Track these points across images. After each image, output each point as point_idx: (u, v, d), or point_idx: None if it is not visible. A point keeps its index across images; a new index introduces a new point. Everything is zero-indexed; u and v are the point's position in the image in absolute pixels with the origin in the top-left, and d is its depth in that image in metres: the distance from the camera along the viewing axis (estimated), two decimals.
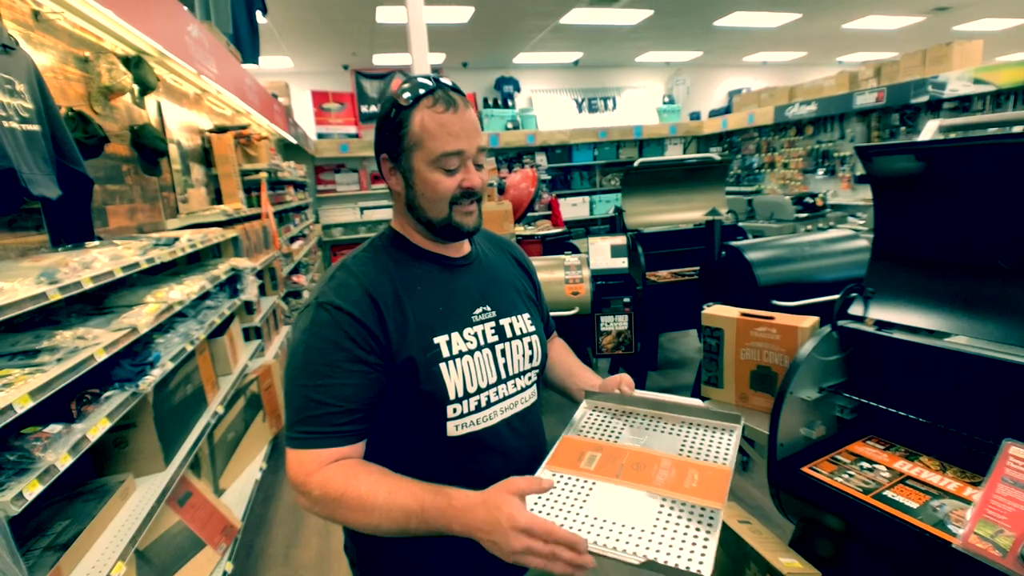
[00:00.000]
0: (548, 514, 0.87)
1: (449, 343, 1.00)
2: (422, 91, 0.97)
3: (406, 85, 0.99)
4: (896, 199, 1.57)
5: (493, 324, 1.07)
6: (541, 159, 9.59)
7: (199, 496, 2.17)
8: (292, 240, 5.65)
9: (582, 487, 0.93)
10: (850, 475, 1.32)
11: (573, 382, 1.24)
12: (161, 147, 2.77)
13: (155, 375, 1.74)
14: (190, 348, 2.08)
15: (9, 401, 1.06)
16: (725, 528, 1.40)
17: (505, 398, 1.07)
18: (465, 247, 1.14)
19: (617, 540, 0.81)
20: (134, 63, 2.50)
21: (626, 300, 3.48)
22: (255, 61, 5.01)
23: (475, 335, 1.04)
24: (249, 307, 3.48)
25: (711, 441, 1.02)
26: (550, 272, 3.46)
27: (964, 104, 5.41)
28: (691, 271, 3.97)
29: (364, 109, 9.36)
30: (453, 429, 1.00)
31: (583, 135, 9.50)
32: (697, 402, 1.09)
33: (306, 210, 7.30)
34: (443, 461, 1.01)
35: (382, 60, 9.10)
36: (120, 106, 2.59)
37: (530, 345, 1.12)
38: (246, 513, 2.47)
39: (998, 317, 1.32)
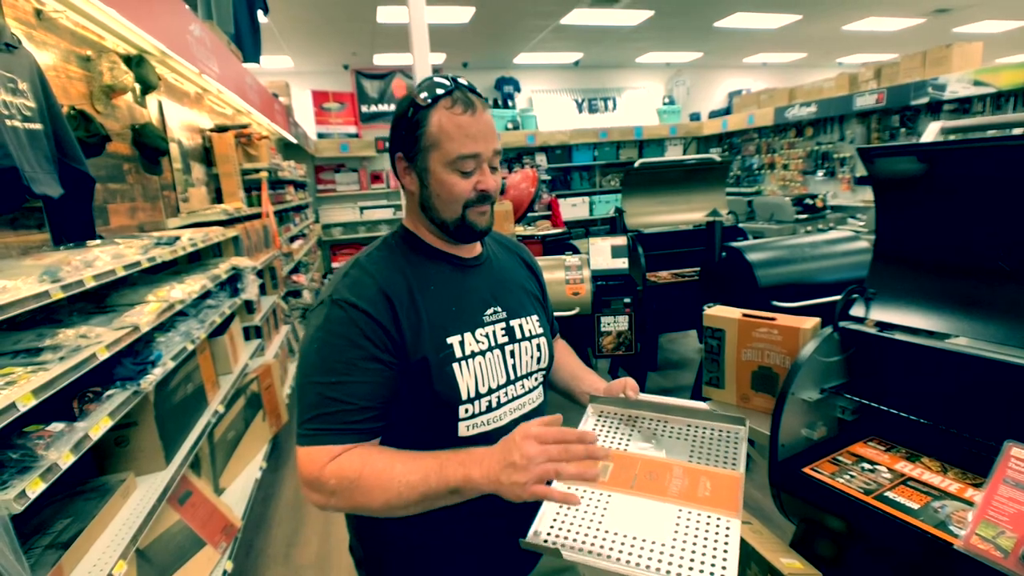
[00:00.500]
0: (570, 530, 0.86)
1: (462, 343, 1.00)
2: (441, 91, 0.96)
3: (424, 84, 0.99)
4: (898, 201, 1.57)
5: (503, 325, 1.08)
6: (541, 159, 9.59)
7: (199, 495, 2.17)
8: (292, 239, 5.65)
9: (599, 500, 0.92)
10: (851, 476, 1.32)
11: (577, 385, 1.24)
12: (162, 146, 2.77)
13: (156, 374, 1.74)
14: (191, 347, 2.08)
15: (12, 399, 1.06)
16: None
17: (514, 399, 1.07)
18: (476, 248, 1.14)
19: (640, 556, 0.81)
20: (136, 62, 2.50)
21: (626, 301, 3.48)
22: (256, 60, 5.01)
23: (486, 336, 1.04)
24: (249, 306, 3.48)
25: (718, 445, 1.02)
26: (551, 272, 3.47)
27: (964, 106, 5.42)
28: (691, 272, 3.97)
29: (364, 109, 9.36)
30: (464, 429, 1.01)
31: (583, 135, 9.50)
32: (701, 405, 1.09)
33: (306, 210, 7.30)
34: None
35: (382, 60, 9.10)
36: (122, 105, 2.59)
37: (538, 347, 1.12)
38: (246, 512, 2.46)
39: (999, 319, 1.33)
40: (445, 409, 0.99)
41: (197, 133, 3.70)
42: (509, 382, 1.06)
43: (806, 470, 1.38)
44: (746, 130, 8.69)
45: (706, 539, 0.83)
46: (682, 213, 4.67)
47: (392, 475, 0.87)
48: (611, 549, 0.82)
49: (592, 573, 0.83)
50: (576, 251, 3.96)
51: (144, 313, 1.76)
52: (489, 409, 1.03)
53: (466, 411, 1.00)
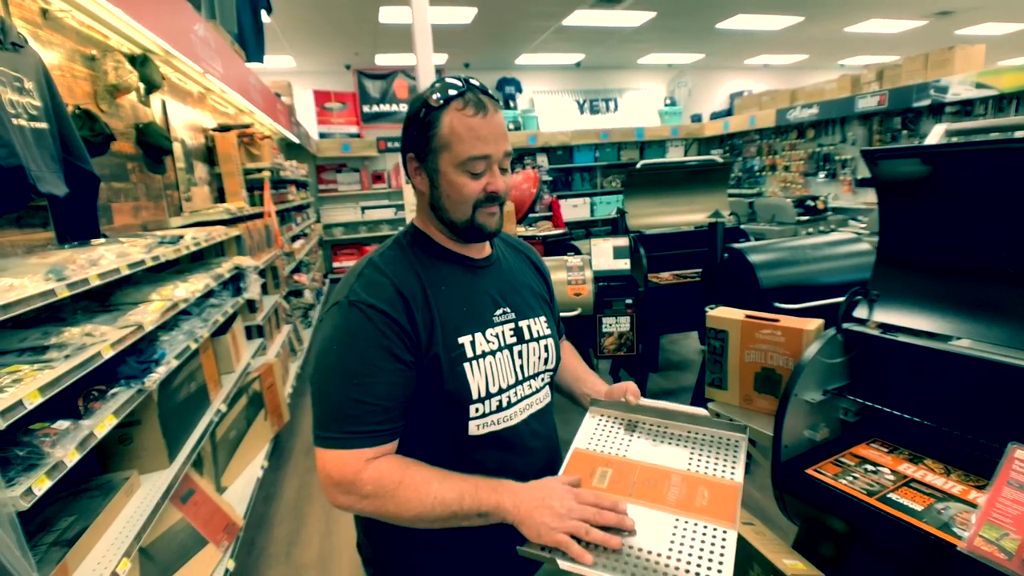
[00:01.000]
0: None
1: (473, 343, 1.01)
2: (453, 92, 0.97)
3: (437, 85, 0.99)
4: (902, 203, 1.57)
5: (512, 326, 1.08)
6: (542, 160, 9.60)
7: (202, 494, 2.17)
8: (294, 239, 5.66)
9: None
10: (854, 477, 1.33)
11: (579, 387, 1.25)
12: (166, 145, 2.78)
13: (160, 372, 1.74)
14: (194, 346, 2.08)
15: (19, 397, 1.06)
16: None
17: (523, 399, 1.08)
18: (486, 249, 1.14)
19: (635, 566, 0.82)
20: (140, 61, 2.51)
21: (628, 301, 3.48)
22: (259, 60, 5.02)
23: (496, 336, 1.05)
24: (251, 305, 3.48)
25: (718, 453, 1.02)
26: (553, 273, 3.43)
27: (966, 108, 5.43)
28: (693, 273, 3.97)
29: (366, 109, 9.37)
30: (475, 428, 1.01)
31: (584, 136, 9.52)
32: (701, 411, 1.09)
33: (307, 209, 7.31)
34: (465, 461, 1.01)
35: (384, 60, 9.11)
36: (126, 104, 2.60)
37: (546, 348, 1.13)
38: (248, 511, 2.47)
39: (1003, 321, 1.33)
40: (456, 408, 0.99)
41: (200, 132, 3.71)
42: (518, 382, 1.07)
43: (809, 471, 1.38)
44: (747, 131, 8.69)
45: (702, 550, 0.83)
46: (684, 214, 4.67)
47: (429, 490, 0.90)
48: (607, 559, 0.83)
49: None
50: (577, 252, 3.96)
51: (148, 312, 1.76)
52: (499, 409, 1.03)
53: (476, 410, 1.00)
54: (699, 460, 1.01)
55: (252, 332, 3.46)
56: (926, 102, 5.58)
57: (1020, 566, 0.92)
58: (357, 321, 0.94)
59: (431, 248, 1.07)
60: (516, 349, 1.07)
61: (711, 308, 1.93)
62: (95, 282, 1.48)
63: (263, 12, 5.15)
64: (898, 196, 1.58)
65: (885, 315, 1.57)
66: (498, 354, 1.04)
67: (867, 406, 1.50)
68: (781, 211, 5.91)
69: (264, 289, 3.98)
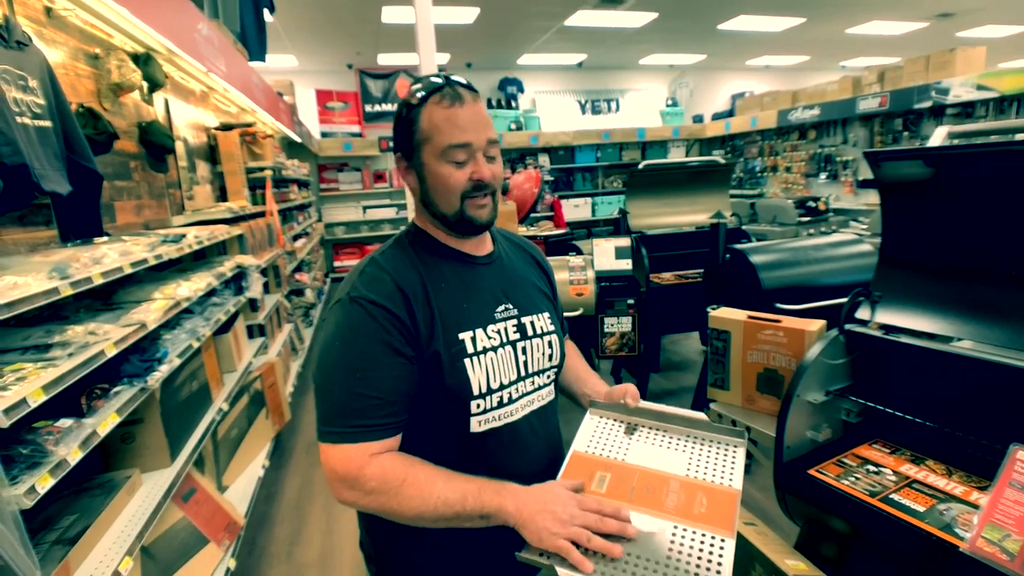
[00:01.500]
0: None
1: (473, 339, 1.01)
2: (431, 89, 0.99)
3: (417, 85, 1.01)
4: (904, 204, 1.57)
5: (515, 322, 1.08)
6: (544, 160, 9.61)
7: (203, 492, 2.17)
8: (295, 238, 5.66)
9: None
10: (856, 478, 1.33)
11: (580, 387, 1.25)
12: (168, 144, 2.78)
13: (163, 371, 1.74)
14: (196, 345, 2.09)
15: (23, 395, 1.07)
16: None
17: (524, 395, 1.08)
18: (487, 245, 1.15)
19: (633, 574, 0.82)
20: (143, 60, 2.51)
21: (630, 302, 3.49)
22: (262, 59, 5.02)
23: (498, 332, 1.05)
24: (253, 304, 3.48)
25: (717, 458, 1.01)
26: (555, 273, 3.46)
27: (967, 110, 5.43)
28: (694, 273, 3.98)
29: (368, 108, 9.38)
30: (476, 425, 1.01)
31: (586, 136, 9.52)
32: (701, 415, 1.08)
33: (309, 208, 7.32)
34: (467, 457, 1.01)
35: (386, 60, 9.11)
36: (129, 103, 2.60)
37: (549, 344, 1.12)
38: (249, 510, 2.47)
39: (1005, 322, 1.33)
40: (457, 404, 1.00)
41: (202, 131, 3.71)
42: (520, 378, 1.07)
43: (811, 472, 1.38)
44: (749, 132, 8.69)
45: (699, 559, 0.83)
46: (686, 215, 4.68)
47: (432, 489, 0.90)
48: (606, 567, 0.83)
49: None
50: (579, 252, 3.97)
51: (151, 311, 1.76)
52: (500, 405, 1.03)
53: (477, 406, 1.01)
54: (698, 466, 1.00)
55: (254, 331, 3.46)
56: (927, 104, 5.58)
57: (1022, 567, 0.92)
58: (359, 317, 0.95)
59: (432, 246, 1.08)
60: (520, 345, 1.07)
61: (713, 308, 1.93)
62: (98, 281, 1.48)
63: (266, 11, 5.15)
64: (901, 197, 1.58)
65: (887, 316, 1.57)
66: (500, 350, 1.04)
67: (869, 407, 1.50)
68: (782, 212, 5.92)
69: (266, 288, 3.98)
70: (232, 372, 2.78)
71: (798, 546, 1.43)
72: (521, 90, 10.40)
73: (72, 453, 1.23)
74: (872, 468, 1.36)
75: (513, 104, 10.16)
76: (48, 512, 1.52)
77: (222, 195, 3.89)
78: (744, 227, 4.60)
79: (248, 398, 3.01)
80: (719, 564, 0.82)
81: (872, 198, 6.39)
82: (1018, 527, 0.96)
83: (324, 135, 9.10)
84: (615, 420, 1.13)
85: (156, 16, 2.30)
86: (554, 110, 10.53)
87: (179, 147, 3.18)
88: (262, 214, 4.09)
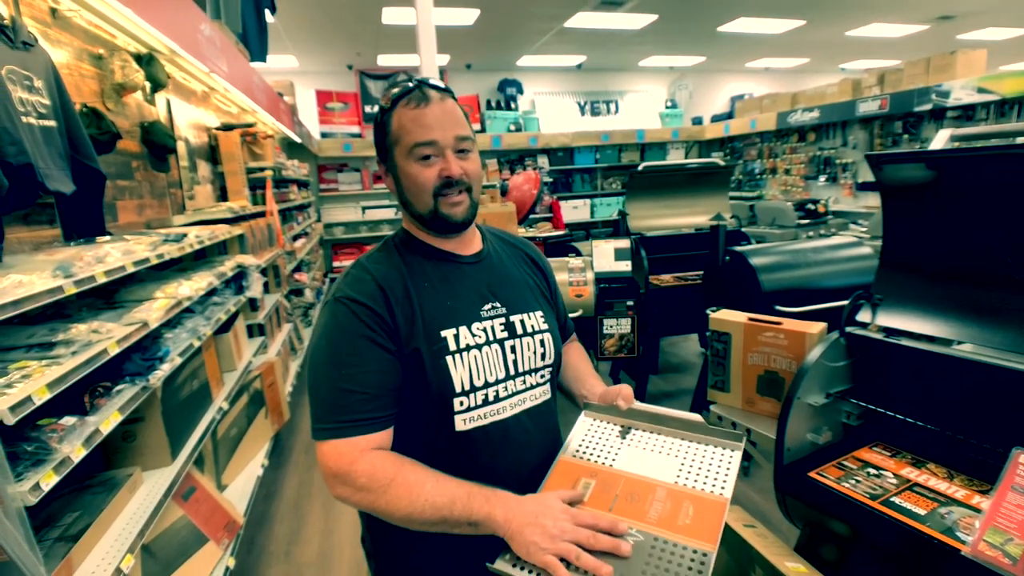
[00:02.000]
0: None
1: (456, 337, 1.02)
2: (401, 92, 1.03)
3: (392, 90, 1.04)
4: (905, 207, 1.58)
5: (503, 320, 1.09)
6: (543, 161, 9.61)
7: (203, 491, 2.17)
8: (295, 238, 5.66)
9: None
10: (857, 481, 1.33)
11: (577, 388, 1.24)
12: (170, 144, 2.78)
13: (164, 370, 1.75)
14: (197, 344, 2.09)
15: (28, 393, 1.07)
16: (730, 532, 1.41)
17: (514, 394, 1.08)
18: (475, 244, 1.15)
19: None
20: (146, 60, 2.52)
21: (629, 303, 3.49)
22: (263, 59, 5.02)
23: (483, 330, 1.06)
24: (253, 304, 3.49)
25: (709, 464, 0.98)
26: (554, 274, 3.47)
27: (968, 113, 5.44)
28: (694, 275, 3.98)
29: (367, 109, 9.36)
30: (461, 423, 1.02)
31: (585, 138, 9.52)
32: (697, 418, 1.06)
33: (308, 209, 7.31)
34: (454, 456, 1.02)
35: (386, 61, 9.12)
36: (131, 103, 2.60)
37: (542, 343, 1.12)
38: (248, 509, 2.47)
39: (1007, 325, 1.34)
40: (440, 401, 1.01)
41: (203, 131, 3.71)
42: (509, 377, 1.07)
43: (811, 474, 1.38)
44: (748, 134, 8.71)
45: (677, 574, 0.80)
46: (685, 217, 4.69)
47: (421, 491, 0.90)
48: None
49: None
50: (578, 253, 3.97)
51: (153, 309, 1.76)
52: (486, 403, 1.04)
53: (461, 404, 1.01)
54: (689, 472, 0.97)
55: (253, 330, 3.47)
56: (927, 106, 5.59)
57: None
58: (343, 315, 0.98)
59: (417, 247, 1.10)
60: (508, 344, 1.07)
61: (713, 310, 1.93)
62: (101, 279, 1.48)
63: (267, 11, 5.16)
64: (902, 200, 1.59)
65: (888, 319, 1.58)
66: (485, 348, 1.04)
67: (870, 410, 1.51)
68: (782, 214, 5.93)
69: (265, 288, 3.98)
70: (232, 371, 2.78)
71: (798, 549, 1.43)
72: (520, 91, 10.40)
73: (76, 451, 1.23)
74: (873, 471, 1.37)
75: (512, 105, 10.16)
76: (50, 509, 1.52)
77: (223, 195, 3.89)
78: (743, 229, 4.61)
79: (248, 397, 3.02)
80: None
81: (871, 201, 6.40)
82: (1021, 531, 0.97)
83: (324, 136, 9.09)
84: (609, 422, 1.12)
85: (159, 17, 2.30)
86: (553, 111, 10.54)
87: (180, 147, 3.18)
88: (262, 214, 4.09)
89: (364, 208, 8.97)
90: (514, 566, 0.85)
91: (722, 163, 4.91)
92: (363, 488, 0.92)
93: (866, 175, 6.51)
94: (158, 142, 2.69)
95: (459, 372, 1.01)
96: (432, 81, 1.04)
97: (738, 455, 0.99)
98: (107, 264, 1.55)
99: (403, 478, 0.91)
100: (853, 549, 1.34)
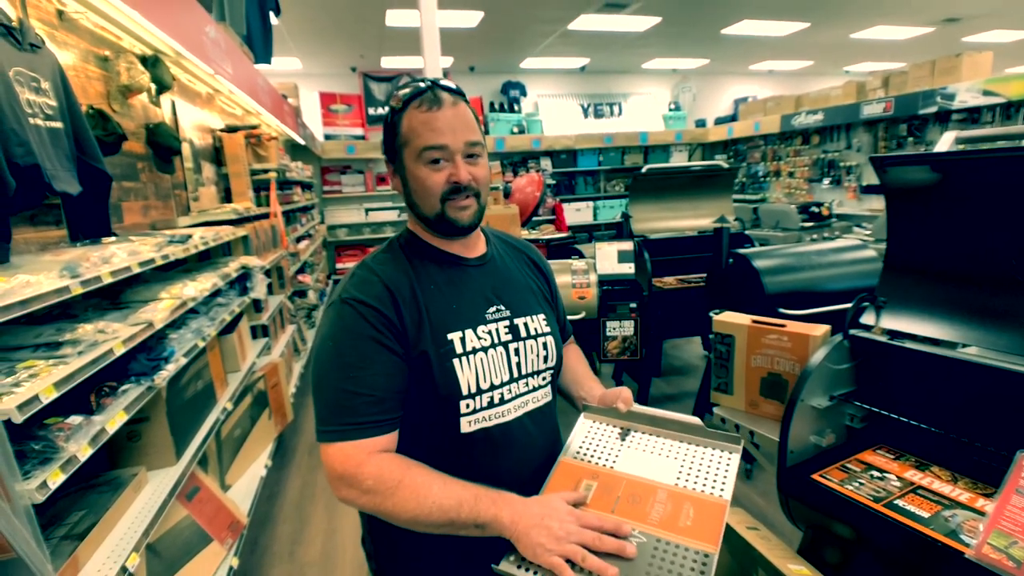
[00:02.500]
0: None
1: (463, 339, 1.02)
2: (413, 93, 1.02)
3: (403, 90, 1.04)
4: (910, 209, 1.58)
5: (507, 323, 1.09)
6: (546, 164, 9.61)
7: (207, 491, 2.18)
8: (299, 240, 5.68)
9: None
10: (860, 483, 1.33)
11: (576, 390, 1.25)
12: (175, 145, 2.80)
13: (169, 370, 1.75)
14: (202, 344, 2.10)
15: (35, 392, 1.08)
16: (733, 534, 1.41)
17: (518, 396, 1.08)
18: (479, 247, 1.16)
19: None
20: (151, 62, 2.53)
21: (632, 305, 3.49)
22: (267, 61, 5.04)
23: (488, 333, 1.06)
24: (257, 305, 3.50)
25: (708, 466, 0.99)
26: (557, 276, 3.43)
27: (973, 116, 5.42)
28: (697, 278, 3.98)
29: (371, 111, 9.40)
30: (466, 425, 1.02)
31: (588, 140, 9.53)
32: (695, 420, 1.07)
33: (312, 210, 7.33)
34: (459, 458, 1.02)
35: (390, 63, 9.15)
36: (137, 104, 2.62)
37: (544, 345, 1.13)
38: (251, 509, 2.48)
39: (1011, 328, 1.34)
40: (446, 404, 1.01)
41: (208, 133, 3.73)
42: (512, 379, 1.07)
43: (815, 477, 1.38)
44: (752, 137, 8.70)
45: (680, 574, 0.81)
46: (688, 219, 4.69)
47: (428, 493, 0.90)
48: None
49: None
50: (581, 255, 3.97)
51: (158, 310, 1.77)
52: (491, 405, 1.04)
53: (467, 406, 1.02)
54: (688, 474, 0.98)
55: (257, 331, 3.48)
56: (932, 109, 5.58)
57: None
58: (349, 317, 0.98)
59: (422, 249, 1.10)
60: (512, 346, 1.08)
61: (716, 313, 1.93)
62: (107, 280, 1.49)
63: (271, 14, 5.18)
64: (906, 203, 1.59)
65: (892, 322, 1.57)
66: (490, 351, 1.05)
67: (873, 412, 1.50)
68: (785, 217, 5.92)
69: (269, 289, 4.00)
70: (236, 372, 2.79)
71: (801, 551, 1.43)
72: (524, 94, 10.43)
73: (82, 450, 1.24)
74: (876, 474, 1.37)
75: (516, 108, 10.18)
76: (57, 508, 1.53)
77: (227, 196, 3.90)
78: (747, 232, 4.60)
79: (251, 398, 3.02)
80: None
81: (875, 204, 6.39)
82: None
83: (327, 137, 9.13)
84: (608, 424, 1.12)
85: (165, 19, 2.31)
86: (557, 114, 10.56)
87: (185, 149, 3.20)
88: (266, 215, 4.11)
89: (367, 210, 9.00)
90: (519, 567, 0.85)
91: (725, 166, 4.92)
92: (369, 491, 0.91)
93: (870, 178, 6.50)
94: (163, 144, 2.70)
95: (466, 375, 1.01)
96: (444, 82, 1.04)
97: (736, 457, 1.00)
98: (113, 265, 1.56)
99: (410, 481, 0.91)
100: (856, 552, 1.34)
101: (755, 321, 1.80)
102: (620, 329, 3.53)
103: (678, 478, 0.98)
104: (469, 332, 1.04)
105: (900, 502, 1.24)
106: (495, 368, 1.05)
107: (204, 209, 3.33)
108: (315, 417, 0.98)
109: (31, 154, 1.46)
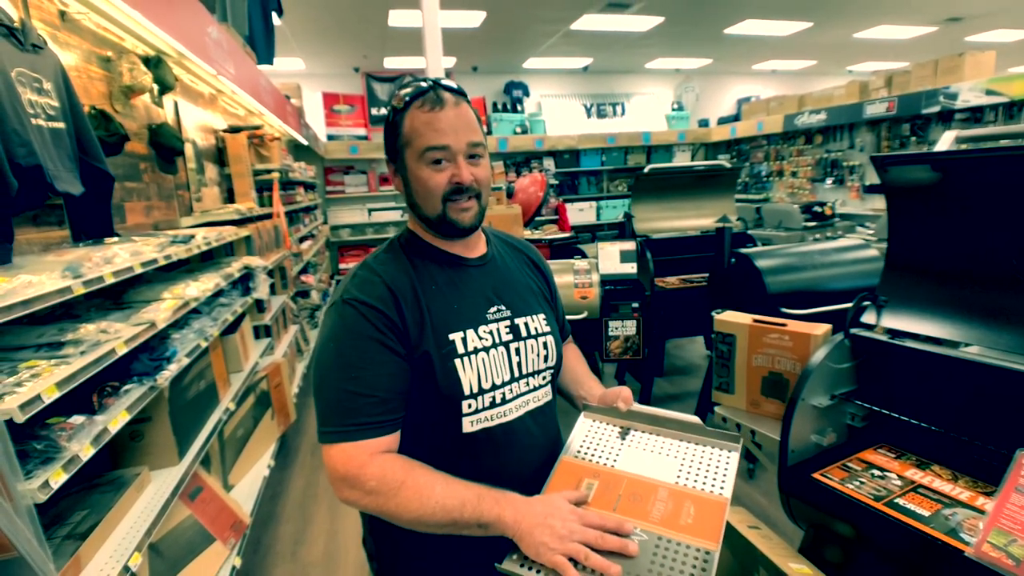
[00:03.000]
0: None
1: (464, 340, 1.03)
2: (415, 93, 1.02)
3: (404, 89, 1.04)
4: (911, 209, 1.58)
5: (508, 323, 1.09)
6: (549, 164, 9.61)
7: (210, 491, 2.19)
8: (301, 240, 5.69)
9: None
10: (861, 482, 1.33)
11: (576, 390, 1.25)
12: (178, 146, 2.81)
13: (172, 370, 1.76)
14: (204, 344, 2.10)
15: (37, 391, 1.08)
16: (735, 533, 1.41)
17: (519, 396, 1.09)
18: (480, 247, 1.16)
19: None
20: (154, 63, 2.54)
21: (634, 305, 3.49)
22: (270, 62, 5.06)
23: (490, 333, 1.06)
24: (260, 305, 3.50)
25: (708, 465, 1.00)
26: (559, 276, 3.47)
27: (976, 115, 5.41)
28: (699, 278, 3.98)
29: (374, 111, 9.42)
30: (468, 425, 1.02)
31: (591, 140, 9.53)
32: (695, 419, 1.08)
33: (315, 211, 7.34)
34: (461, 458, 1.02)
35: (393, 63, 9.16)
36: (139, 105, 2.63)
37: (545, 345, 1.13)
38: (254, 509, 2.48)
39: (1012, 327, 1.33)
40: (448, 404, 1.01)
41: (211, 133, 3.74)
42: (514, 379, 1.08)
43: (816, 476, 1.38)
44: (755, 137, 8.69)
45: (682, 571, 0.82)
46: (691, 219, 4.68)
47: (431, 494, 0.91)
48: None
49: None
50: (584, 255, 3.97)
51: (160, 310, 1.78)
52: (493, 405, 1.04)
53: (469, 406, 1.02)
54: (688, 473, 0.99)
55: (260, 332, 3.48)
56: (935, 109, 5.56)
57: None
58: (351, 317, 0.98)
59: (423, 249, 1.10)
60: (513, 346, 1.08)
61: (718, 312, 1.93)
62: (110, 280, 1.50)
63: (274, 14, 5.19)
64: (907, 202, 1.58)
65: (893, 321, 1.57)
66: (492, 351, 1.05)
67: (874, 411, 1.50)
68: (788, 217, 5.91)
69: (272, 289, 4.00)
70: (239, 372, 2.80)
71: (802, 550, 1.43)
72: (527, 94, 10.43)
73: (84, 449, 1.25)
74: (877, 472, 1.36)
75: (518, 108, 10.18)
76: (59, 507, 1.53)
77: (230, 197, 3.91)
78: (749, 232, 4.60)
79: (254, 398, 3.03)
80: None
81: (878, 203, 6.37)
82: None
83: (330, 138, 9.14)
84: (608, 424, 1.13)
85: (167, 19, 2.32)
86: (559, 114, 10.56)
87: (188, 149, 3.21)
88: (269, 216, 4.11)
89: (370, 210, 9.01)
90: (522, 566, 0.85)
91: (728, 165, 4.90)
92: (372, 492, 0.92)
93: (873, 177, 6.48)
94: (166, 144, 2.71)
95: (467, 375, 1.01)
96: (446, 82, 1.04)
97: (736, 456, 1.01)
98: (115, 265, 1.57)
99: (412, 481, 0.92)
100: (857, 550, 1.34)
101: (756, 320, 1.80)
102: (622, 329, 3.53)
103: (678, 477, 0.98)
104: (471, 332, 1.04)
105: (901, 501, 1.24)
106: (496, 368, 1.05)
107: (207, 209, 3.34)
108: (317, 418, 0.98)
109: (33, 155, 1.46)
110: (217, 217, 3.09)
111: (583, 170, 9.87)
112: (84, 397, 1.43)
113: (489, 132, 9.34)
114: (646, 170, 4.69)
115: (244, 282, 2.87)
